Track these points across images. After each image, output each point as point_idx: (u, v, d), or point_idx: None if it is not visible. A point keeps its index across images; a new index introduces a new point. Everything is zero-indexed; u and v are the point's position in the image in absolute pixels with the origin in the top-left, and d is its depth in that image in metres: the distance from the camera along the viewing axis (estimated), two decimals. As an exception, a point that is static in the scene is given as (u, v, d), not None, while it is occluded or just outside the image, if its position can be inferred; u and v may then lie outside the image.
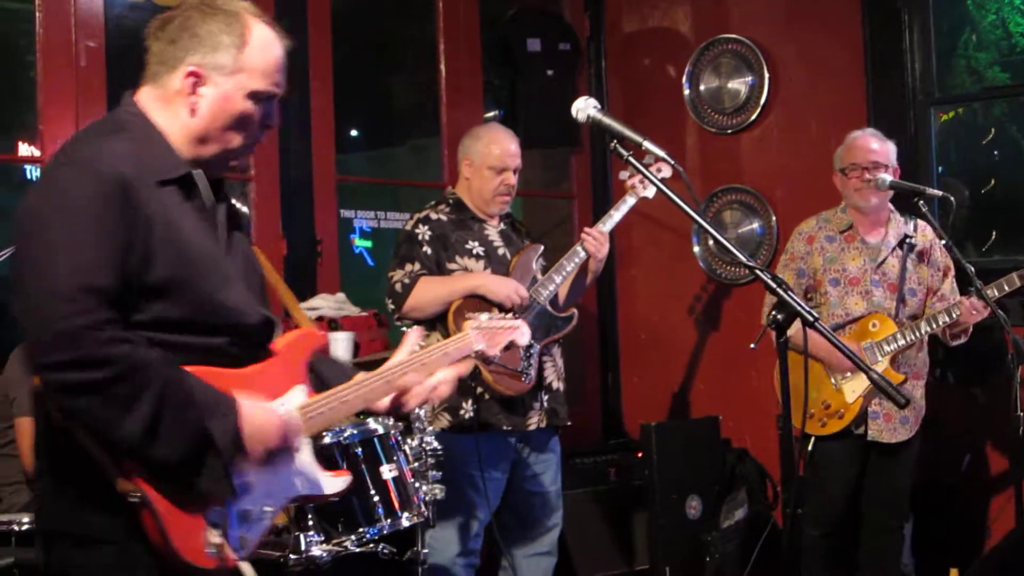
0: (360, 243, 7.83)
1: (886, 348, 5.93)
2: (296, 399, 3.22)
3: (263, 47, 3.18)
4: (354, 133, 7.61)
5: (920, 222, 6.19)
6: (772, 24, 7.95)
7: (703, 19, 8.28)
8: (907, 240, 6.14)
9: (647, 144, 3.51)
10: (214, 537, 2.97)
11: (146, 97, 3.19)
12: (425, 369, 3.49)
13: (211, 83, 3.14)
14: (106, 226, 2.90)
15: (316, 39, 7.11)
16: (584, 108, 3.60)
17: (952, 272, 6.21)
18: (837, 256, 6.18)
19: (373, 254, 8.07)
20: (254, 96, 3.16)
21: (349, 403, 3.33)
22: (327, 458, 4.65)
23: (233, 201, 3.40)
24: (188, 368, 2.97)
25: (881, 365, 5.89)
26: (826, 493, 6.10)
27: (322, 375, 3.44)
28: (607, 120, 3.57)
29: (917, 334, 5.91)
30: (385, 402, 3.47)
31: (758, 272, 3.47)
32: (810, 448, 6.18)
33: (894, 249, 6.14)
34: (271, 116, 3.23)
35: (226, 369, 3.08)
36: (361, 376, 3.42)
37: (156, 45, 3.17)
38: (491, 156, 5.91)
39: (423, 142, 8.96)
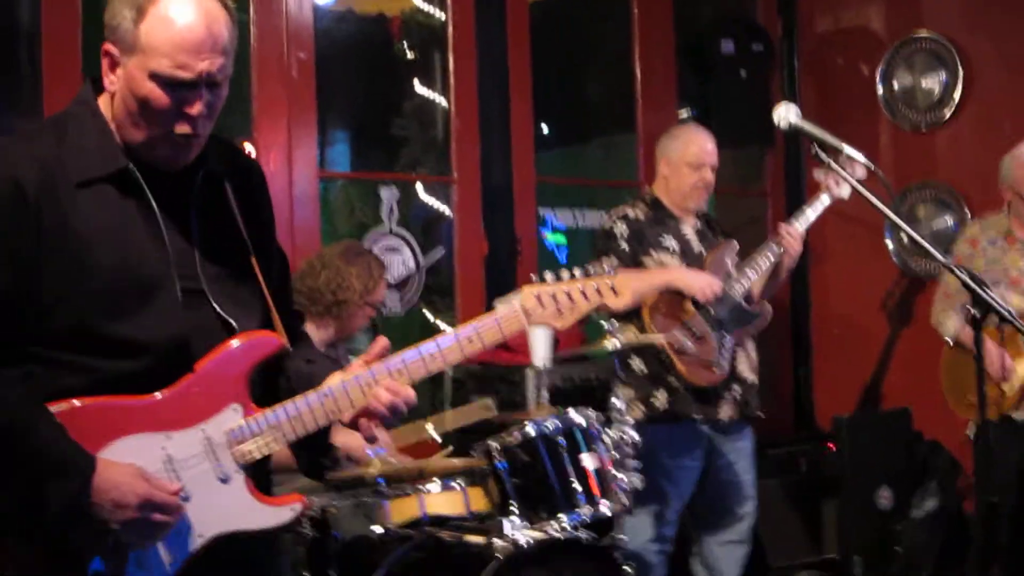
0: (552, 238, 7.99)
1: None
2: (225, 422, 2.88)
3: (163, 20, 2.75)
4: (545, 130, 7.75)
5: None
6: (966, 20, 7.95)
7: (896, 16, 8.31)
8: None
9: (847, 149, 3.63)
10: None
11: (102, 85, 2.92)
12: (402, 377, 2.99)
13: (120, 63, 2.81)
14: None
15: (515, 45, 7.32)
16: (786, 115, 3.73)
17: None
18: (999, 258, 6.27)
19: (566, 250, 8.22)
20: (156, 79, 2.76)
21: (281, 428, 2.91)
22: (530, 450, 4.90)
23: (229, 190, 3.02)
24: (72, 405, 2.74)
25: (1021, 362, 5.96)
26: (996, 474, 6.14)
27: (287, 383, 3.07)
28: (808, 126, 3.69)
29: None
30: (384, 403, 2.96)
31: (954, 269, 3.59)
32: (970, 433, 6.33)
33: None
34: (190, 103, 2.79)
35: (127, 398, 2.78)
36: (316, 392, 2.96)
37: None
38: (688, 153, 6.05)
39: (614, 139, 9.07)
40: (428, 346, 2.99)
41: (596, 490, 5.05)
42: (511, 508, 4.83)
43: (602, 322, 5.74)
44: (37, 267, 2.72)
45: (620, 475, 5.15)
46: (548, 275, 3.13)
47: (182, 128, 2.80)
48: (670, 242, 5.98)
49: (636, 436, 5.29)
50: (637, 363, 5.87)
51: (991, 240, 6.34)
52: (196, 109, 2.79)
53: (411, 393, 2.96)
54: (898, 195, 8.08)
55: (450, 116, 7.16)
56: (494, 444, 4.86)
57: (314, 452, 3.15)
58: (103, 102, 2.90)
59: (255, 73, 6.38)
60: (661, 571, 5.98)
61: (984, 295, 3.50)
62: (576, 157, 9.19)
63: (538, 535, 4.82)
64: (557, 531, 4.89)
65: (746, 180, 8.84)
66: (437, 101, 7.34)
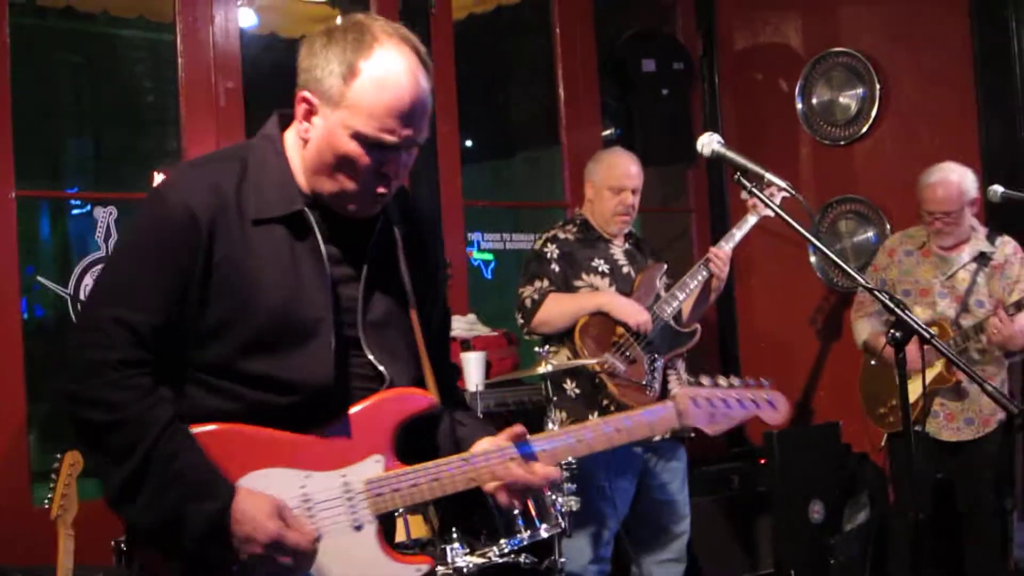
0: (478, 256, 8.02)
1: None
2: (366, 471, 2.88)
3: (377, 83, 2.74)
4: (468, 144, 7.77)
5: (1004, 238, 6.41)
6: (881, 36, 8.06)
7: (813, 33, 8.43)
8: (983, 255, 6.35)
9: (769, 176, 3.68)
10: None
11: (289, 122, 2.94)
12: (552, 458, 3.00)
13: (320, 114, 2.80)
14: (160, 265, 2.75)
15: (440, 67, 7.32)
16: (709, 143, 3.77)
17: (1022, 287, 6.32)
18: (912, 269, 6.49)
19: (491, 267, 8.26)
20: (359, 138, 2.76)
21: (420, 488, 2.90)
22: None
23: (399, 240, 3.00)
24: (222, 428, 2.79)
25: (935, 369, 6.14)
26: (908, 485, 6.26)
27: (431, 443, 3.09)
28: (730, 154, 3.74)
29: (965, 340, 6.12)
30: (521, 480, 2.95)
31: (875, 292, 3.64)
32: (883, 444, 6.63)
33: (966, 263, 6.36)
34: (390, 165, 2.82)
35: (273, 433, 2.81)
36: (461, 455, 2.97)
37: (298, 66, 2.88)
38: (610, 177, 6.13)
39: (536, 154, 9.14)
40: (575, 431, 3.04)
41: (534, 513, 5.13)
42: (452, 535, 4.88)
43: (535, 348, 5.80)
44: (203, 296, 2.77)
45: (557, 498, 5.23)
46: (705, 379, 3.15)
47: (378, 188, 2.83)
48: (600, 264, 6.03)
49: (571, 458, 5.36)
50: (570, 386, 5.91)
51: (907, 251, 6.55)
52: (394, 171, 2.82)
53: (556, 472, 3.00)
54: (820, 210, 8.19)
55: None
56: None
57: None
58: (288, 140, 2.93)
59: (183, 103, 6.38)
60: (601, 591, 6.02)
61: (905, 317, 3.56)
62: (501, 171, 9.23)
63: (479, 560, 4.92)
64: (497, 556, 4.99)
65: (670, 197, 8.93)
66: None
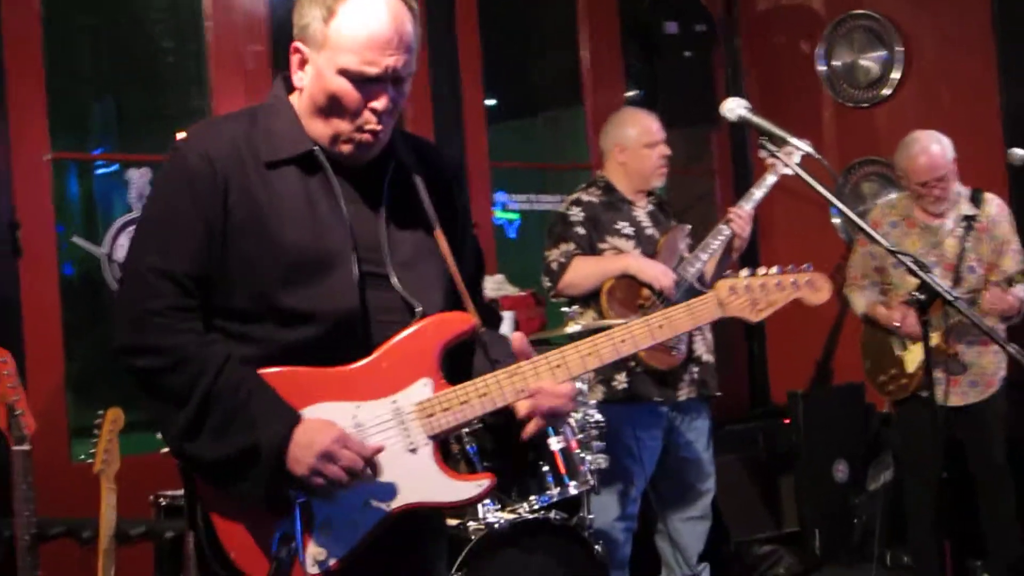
0: (501, 215, 8.07)
1: (935, 324, 6.11)
2: (415, 395, 2.91)
3: (352, 19, 2.84)
4: (490, 103, 7.80)
5: (987, 196, 6.42)
6: (903, -2, 8.09)
7: (835, -5, 8.46)
8: (968, 219, 6.36)
9: (794, 140, 3.73)
10: (278, 552, 2.79)
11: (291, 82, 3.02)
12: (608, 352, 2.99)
13: (310, 60, 2.89)
14: (184, 211, 2.85)
15: (465, 31, 7.41)
16: (734, 108, 3.81)
17: (1013, 247, 6.38)
18: (899, 241, 6.39)
19: (515, 226, 8.31)
20: (345, 75, 2.85)
21: (471, 404, 2.92)
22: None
23: (419, 183, 3.06)
24: (270, 371, 2.84)
25: (933, 339, 6.10)
26: (919, 447, 6.34)
27: (477, 362, 3.09)
28: (756, 119, 3.78)
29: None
30: (517, 408, 2.97)
31: (898, 255, 3.69)
32: (886, 410, 6.72)
33: (952, 230, 6.37)
34: (377, 99, 2.88)
35: (316, 370, 2.86)
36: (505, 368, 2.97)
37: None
38: (644, 134, 6.19)
39: (558, 114, 9.17)
40: (618, 332, 3.01)
41: (564, 472, 5.21)
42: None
43: (562, 308, 5.87)
44: (224, 238, 2.86)
45: (586, 456, 5.31)
46: (744, 271, 3.14)
47: (368, 122, 2.89)
48: (624, 227, 6.08)
49: (600, 417, 5.44)
50: (597, 347, 5.94)
51: (892, 223, 6.52)
52: (382, 104, 2.87)
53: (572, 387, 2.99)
54: (842, 171, 8.24)
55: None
56: (464, 428, 4.98)
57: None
58: (293, 99, 3.00)
59: (212, 65, 6.47)
60: (627, 548, 6.10)
61: (929, 280, 3.62)
62: (525, 131, 9.27)
63: (510, 516, 5.00)
64: (528, 512, 5.07)
65: (693, 159, 8.96)
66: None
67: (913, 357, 6.31)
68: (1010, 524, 6.45)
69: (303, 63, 2.92)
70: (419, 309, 2.96)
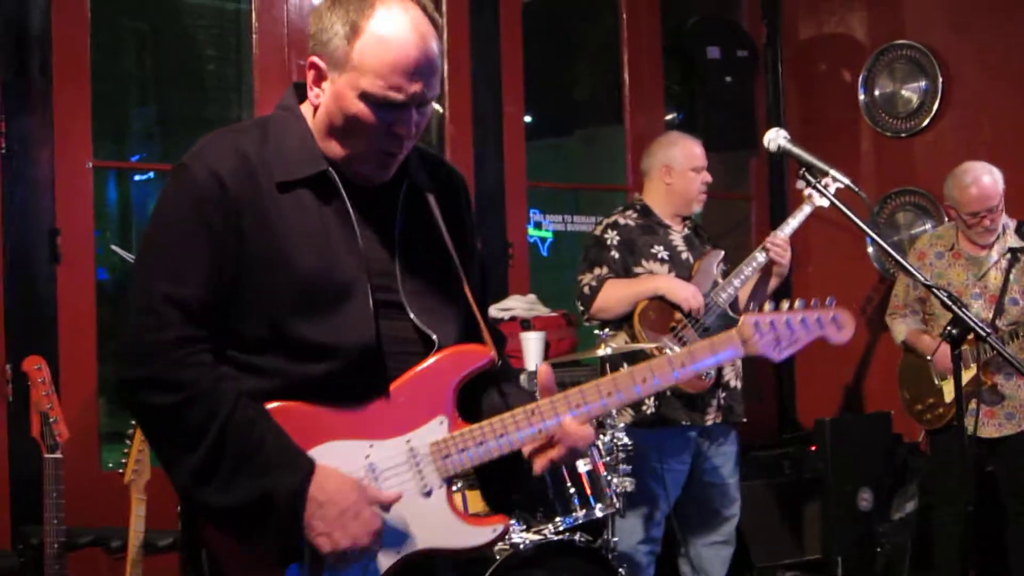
0: (534, 233, 8.10)
1: (974, 355, 6.08)
2: (431, 434, 2.81)
3: (379, 42, 2.69)
4: (527, 120, 7.84)
5: None
6: (946, 28, 8.09)
7: (878, 24, 8.46)
8: (1013, 251, 6.37)
9: (833, 172, 3.76)
10: None
11: (304, 91, 2.88)
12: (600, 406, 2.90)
13: (328, 78, 2.76)
14: (194, 234, 2.70)
15: (508, 50, 7.43)
16: (775, 139, 3.86)
17: None
18: (944, 272, 6.46)
19: (547, 244, 8.34)
20: (367, 98, 2.71)
21: (488, 447, 2.82)
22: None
23: (432, 202, 2.95)
24: (280, 405, 2.72)
25: (970, 372, 6.08)
26: (949, 477, 6.29)
27: (488, 400, 3.01)
28: (796, 150, 3.82)
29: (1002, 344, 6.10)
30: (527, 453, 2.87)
31: (933, 290, 3.73)
32: (922, 438, 6.78)
33: (997, 262, 6.37)
34: (400, 124, 2.76)
35: (327, 407, 2.75)
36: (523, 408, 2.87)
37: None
38: (691, 158, 6.24)
39: (593, 132, 9.20)
40: (639, 369, 2.91)
41: (589, 492, 5.24)
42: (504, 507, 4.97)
43: (595, 331, 5.89)
44: (237, 264, 2.72)
45: (612, 478, 5.34)
46: (768, 306, 3.06)
47: (389, 147, 2.78)
48: (660, 251, 6.10)
49: (628, 440, 5.46)
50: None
51: (938, 254, 6.54)
52: (405, 130, 2.76)
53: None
54: (879, 201, 8.23)
55: (444, 121, 7.25)
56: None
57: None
58: (305, 110, 2.88)
59: (257, 77, 6.51)
60: (650, 571, 6.12)
61: (962, 315, 3.64)
62: (558, 149, 9.30)
63: (535, 537, 5.03)
64: (553, 533, 5.10)
65: (731, 184, 8.96)
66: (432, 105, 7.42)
67: (952, 387, 6.31)
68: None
69: (320, 79, 2.79)
70: (435, 339, 2.85)
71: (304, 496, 2.64)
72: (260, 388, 2.73)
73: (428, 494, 2.80)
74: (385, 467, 2.78)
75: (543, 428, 2.84)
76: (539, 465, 2.88)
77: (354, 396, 2.77)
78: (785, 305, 3.09)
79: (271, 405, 2.72)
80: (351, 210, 2.80)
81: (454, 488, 2.95)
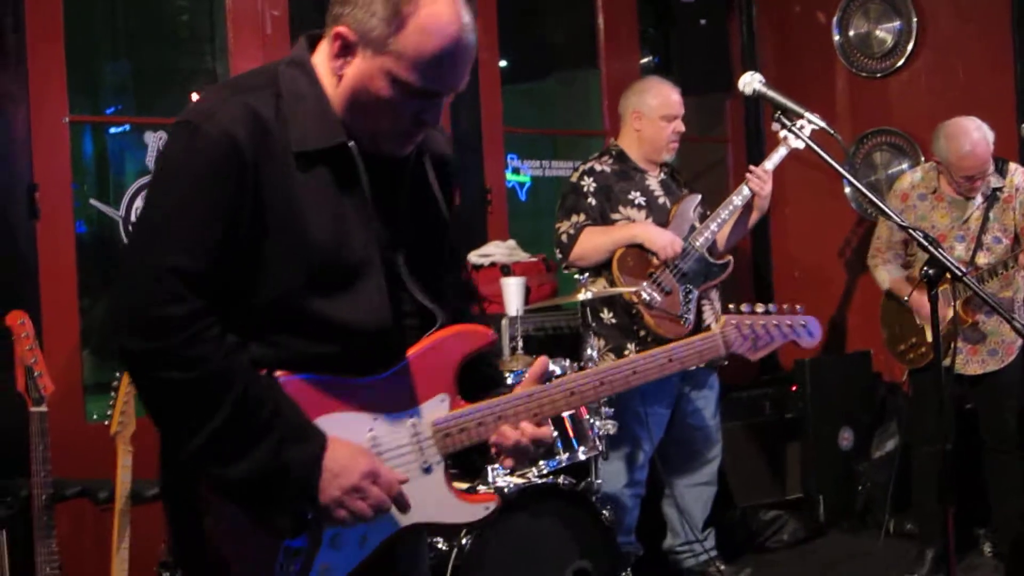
0: (512, 178, 8.10)
1: (956, 294, 6.10)
2: (433, 412, 2.85)
3: (422, 34, 2.61)
4: (503, 64, 7.81)
5: (1012, 167, 6.43)
6: (919, -32, 8.09)
7: (852, -36, 8.44)
8: (993, 190, 6.35)
9: (808, 115, 3.77)
10: (286, 564, 2.70)
11: (321, 49, 2.77)
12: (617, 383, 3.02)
13: (359, 54, 2.66)
14: (208, 201, 2.60)
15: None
16: (750, 82, 3.86)
17: None
18: (927, 214, 6.45)
19: (526, 189, 8.34)
20: (401, 85, 2.64)
21: (487, 427, 2.86)
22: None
23: (431, 171, 2.92)
24: (289, 375, 2.71)
25: (950, 311, 6.09)
26: (929, 416, 6.35)
27: (487, 380, 3.05)
28: (771, 93, 3.82)
29: (981, 282, 6.11)
30: (511, 440, 2.89)
31: (909, 230, 3.75)
32: (904, 378, 6.74)
33: (980, 203, 6.36)
34: (429, 112, 2.72)
35: (333, 377, 2.74)
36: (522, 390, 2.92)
37: None
38: (664, 106, 6.23)
39: (571, 75, 9.18)
40: (627, 364, 3.04)
41: (572, 435, 5.28)
42: (493, 455, 5.01)
43: (575, 275, 5.92)
44: (252, 233, 2.64)
45: (595, 421, 5.37)
46: (744, 307, 3.19)
47: (415, 131, 2.76)
48: (636, 196, 6.12)
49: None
50: (607, 314, 6.03)
51: (920, 195, 6.51)
52: (432, 118, 2.74)
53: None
54: (855, 141, 8.26)
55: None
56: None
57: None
58: (320, 66, 2.77)
59: (230, 29, 6.48)
60: (635, 513, 6.19)
61: (938, 255, 3.66)
62: (535, 93, 9.28)
63: (519, 481, 5.05)
64: (537, 477, 5.14)
65: (707, 127, 8.97)
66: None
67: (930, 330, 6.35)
68: (1016, 493, 6.50)
69: (348, 51, 2.68)
70: (439, 317, 2.89)
71: (319, 467, 2.65)
72: (269, 356, 2.70)
73: (428, 470, 2.84)
74: (387, 442, 2.81)
75: (539, 412, 2.89)
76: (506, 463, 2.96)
77: (361, 370, 2.77)
78: (761, 308, 3.22)
79: (280, 376, 2.70)
80: (366, 185, 2.75)
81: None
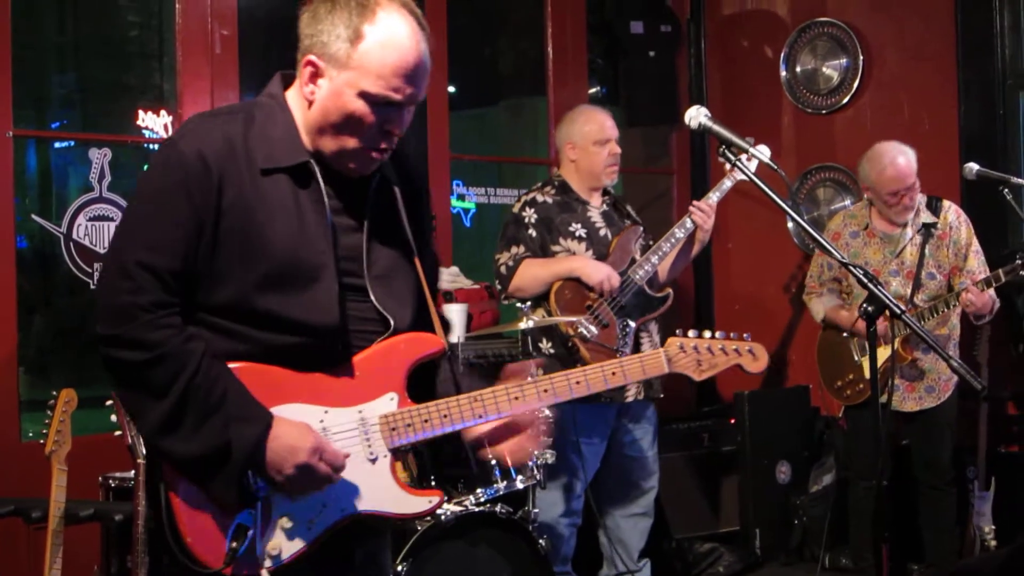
0: (457, 203, 8.11)
1: (895, 332, 6.08)
2: (381, 408, 3.07)
3: (382, 45, 2.91)
4: (451, 90, 7.82)
5: (945, 204, 6.52)
6: (867, 7, 8.17)
7: (800, 2, 8.54)
8: (926, 226, 6.43)
9: (753, 151, 3.78)
10: (233, 542, 2.90)
11: (295, 85, 3.06)
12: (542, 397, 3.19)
13: (326, 75, 2.95)
14: (176, 208, 2.89)
15: (432, 17, 7.35)
16: (696, 116, 3.87)
17: (974, 248, 6.47)
18: (860, 251, 6.56)
19: (470, 215, 8.34)
20: (366, 97, 2.92)
21: (431, 423, 3.09)
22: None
23: (398, 196, 3.15)
24: (246, 365, 2.95)
25: (887, 350, 6.12)
26: (866, 451, 6.44)
27: (442, 383, 3.29)
28: (716, 127, 3.83)
29: (921, 320, 6.19)
30: (475, 433, 3.26)
31: (849, 267, 3.77)
32: (840, 415, 6.87)
33: (912, 238, 6.44)
34: (393, 123, 2.96)
35: (290, 372, 2.99)
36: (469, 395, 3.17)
37: (300, 31, 3.01)
38: (593, 132, 6.23)
39: (518, 102, 9.20)
40: (575, 373, 3.21)
41: (510, 465, 5.26)
42: (430, 483, 5.00)
43: (517, 303, 5.91)
44: (215, 238, 2.92)
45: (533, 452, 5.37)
46: (691, 332, 3.32)
47: (380, 144, 2.98)
48: (577, 228, 6.12)
49: (548, 412, 5.48)
50: (546, 344, 6.04)
51: (852, 233, 6.62)
52: (398, 128, 2.99)
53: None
54: (799, 176, 8.32)
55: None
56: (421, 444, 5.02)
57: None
58: (291, 99, 3.08)
59: (179, 47, 6.45)
60: (571, 543, 6.18)
61: (877, 292, 3.68)
62: (483, 119, 9.29)
63: (456, 508, 5.05)
64: (474, 505, 5.13)
65: (653, 158, 9.02)
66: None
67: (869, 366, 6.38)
68: (949, 529, 6.55)
69: (316, 76, 2.98)
70: (392, 322, 3.10)
71: (263, 447, 2.90)
72: (230, 350, 2.97)
73: (373, 460, 3.06)
74: (336, 431, 3.04)
75: (483, 412, 3.15)
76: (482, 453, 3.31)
77: (316, 366, 3.03)
78: (707, 333, 3.36)
79: (235, 365, 2.96)
80: (326, 198, 3.01)
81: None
